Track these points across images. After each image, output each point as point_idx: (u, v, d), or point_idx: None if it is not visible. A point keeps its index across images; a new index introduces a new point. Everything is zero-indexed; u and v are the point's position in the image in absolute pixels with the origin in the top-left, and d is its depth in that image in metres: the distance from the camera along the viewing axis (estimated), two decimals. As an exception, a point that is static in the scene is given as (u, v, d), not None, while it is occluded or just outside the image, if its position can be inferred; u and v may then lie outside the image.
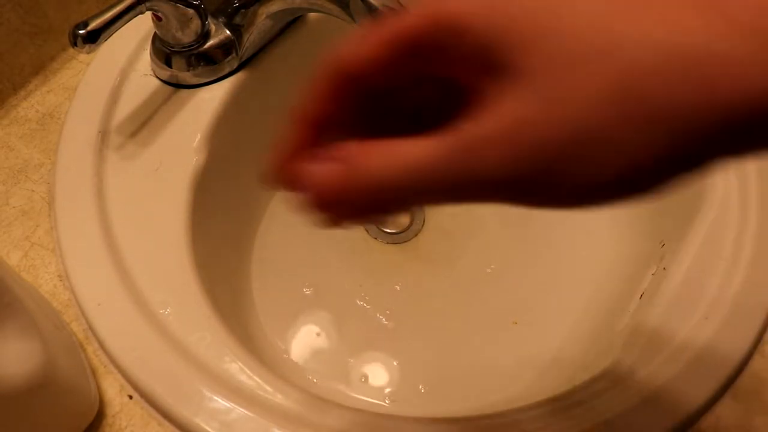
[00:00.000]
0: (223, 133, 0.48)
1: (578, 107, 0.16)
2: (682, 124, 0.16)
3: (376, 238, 0.58)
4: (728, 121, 0.16)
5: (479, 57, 0.18)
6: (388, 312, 0.53)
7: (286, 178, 0.22)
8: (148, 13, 0.44)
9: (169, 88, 0.49)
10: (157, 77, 0.49)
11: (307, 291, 0.54)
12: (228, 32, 0.48)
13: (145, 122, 0.47)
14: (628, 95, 0.16)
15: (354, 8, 0.43)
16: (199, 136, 0.47)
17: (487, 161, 0.17)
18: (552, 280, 0.54)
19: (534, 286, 0.54)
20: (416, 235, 0.58)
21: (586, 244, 0.55)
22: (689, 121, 0.16)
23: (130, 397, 0.38)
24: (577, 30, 0.17)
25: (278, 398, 0.37)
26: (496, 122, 0.17)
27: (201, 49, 0.48)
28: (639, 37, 0.16)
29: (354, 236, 0.57)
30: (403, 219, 0.59)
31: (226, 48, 0.49)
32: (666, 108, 0.16)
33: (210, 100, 0.48)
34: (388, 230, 0.58)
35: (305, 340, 0.52)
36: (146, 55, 0.50)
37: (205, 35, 0.48)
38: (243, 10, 0.48)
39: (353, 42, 0.20)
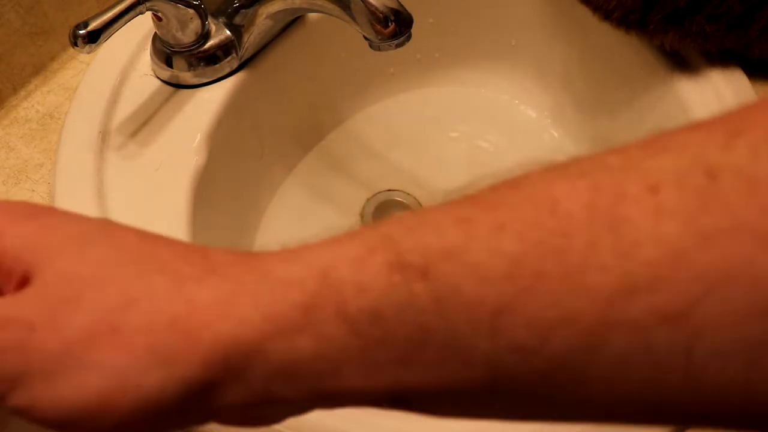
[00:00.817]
0: (224, 133, 0.48)
1: (74, 324, 0.20)
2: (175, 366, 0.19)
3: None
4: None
5: (12, 270, 0.22)
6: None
7: None
8: (149, 14, 0.44)
9: (170, 88, 0.49)
10: (157, 77, 0.49)
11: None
12: (228, 32, 0.48)
13: (145, 122, 0.47)
14: (109, 320, 0.20)
15: (354, 9, 0.43)
16: (199, 136, 0.47)
17: None
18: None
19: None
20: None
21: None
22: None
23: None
24: (93, 257, 0.21)
25: (278, 398, 0.37)
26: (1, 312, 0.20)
27: (201, 49, 0.48)
28: (140, 272, 0.21)
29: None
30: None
31: (227, 48, 0.49)
32: (148, 335, 0.20)
33: (210, 100, 0.48)
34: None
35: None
36: (146, 55, 0.50)
37: (205, 35, 0.48)
38: (243, 11, 0.48)
39: None
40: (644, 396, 0.18)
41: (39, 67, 0.51)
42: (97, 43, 0.40)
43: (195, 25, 0.47)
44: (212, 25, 0.48)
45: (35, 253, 0.21)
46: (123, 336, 0.20)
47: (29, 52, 0.50)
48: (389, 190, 0.60)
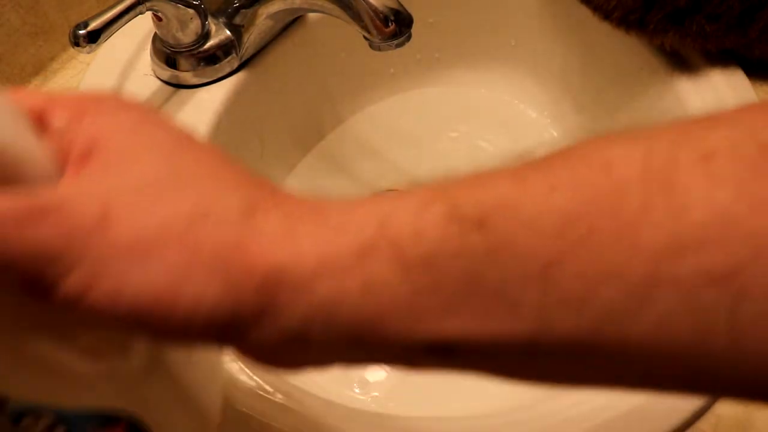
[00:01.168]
0: (224, 132, 0.48)
1: (155, 214, 0.20)
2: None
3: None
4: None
5: (83, 145, 0.22)
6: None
7: None
8: (149, 14, 0.44)
9: (170, 88, 0.49)
10: (157, 77, 0.49)
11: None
12: (228, 32, 0.49)
13: (145, 122, 0.47)
14: (180, 228, 0.20)
15: (354, 9, 0.43)
16: (199, 136, 0.47)
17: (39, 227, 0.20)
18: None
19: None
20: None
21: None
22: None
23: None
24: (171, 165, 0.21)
25: (278, 398, 0.37)
26: (66, 189, 0.21)
27: (201, 49, 0.48)
28: (215, 193, 0.21)
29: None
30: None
31: (227, 48, 0.49)
32: (213, 250, 0.20)
33: (210, 100, 0.49)
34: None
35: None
36: (146, 55, 0.50)
37: (205, 35, 0.48)
38: (243, 11, 0.48)
39: None
40: (686, 358, 0.18)
41: (39, 67, 0.51)
42: (97, 43, 0.40)
43: (195, 25, 0.47)
44: (212, 25, 0.48)
45: (124, 144, 0.22)
46: (193, 243, 0.20)
47: (29, 52, 0.50)
48: (389, 190, 0.60)
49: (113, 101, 0.23)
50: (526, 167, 0.20)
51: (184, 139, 0.23)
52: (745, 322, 0.17)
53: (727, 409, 0.37)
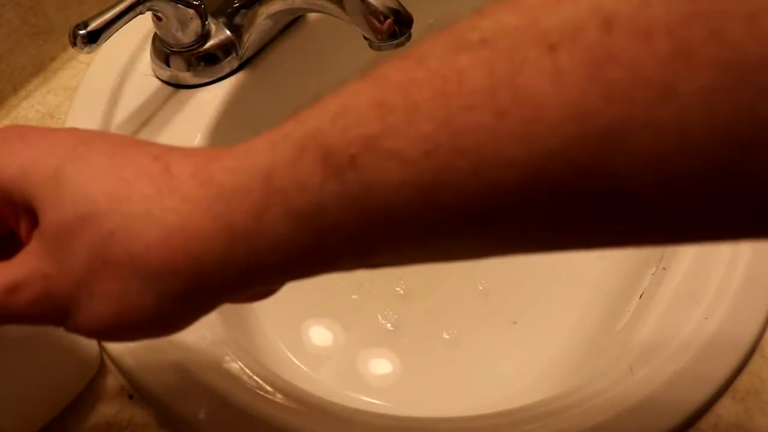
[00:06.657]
0: (223, 133, 0.48)
1: (74, 267, 0.23)
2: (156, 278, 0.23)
3: (376, 238, 0.57)
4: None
5: (17, 205, 0.25)
6: (388, 313, 0.53)
7: None
8: (149, 14, 0.44)
9: (170, 88, 0.49)
10: (157, 77, 0.49)
11: (308, 291, 0.54)
12: (228, 32, 0.49)
13: (145, 122, 0.47)
14: (98, 256, 0.23)
15: (354, 9, 0.43)
16: (199, 136, 0.47)
17: (18, 300, 0.24)
18: (552, 280, 0.54)
19: (534, 287, 0.54)
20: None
21: (586, 244, 0.55)
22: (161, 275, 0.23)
23: (131, 396, 0.38)
24: (70, 199, 0.23)
25: (278, 398, 0.37)
26: (24, 271, 0.24)
27: (201, 49, 0.48)
28: (111, 205, 0.23)
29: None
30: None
31: (227, 48, 0.49)
32: (132, 264, 0.23)
33: (210, 100, 0.49)
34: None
35: (305, 340, 0.52)
36: (146, 56, 0.50)
37: (205, 35, 0.48)
38: (243, 11, 0.48)
39: None
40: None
41: (39, 67, 0.51)
42: (97, 43, 0.40)
43: (195, 25, 0.47)
44: (212, 25, 0.48)
45: (28, 195, 0.25)
46: (113, 267, 0.23)
47: (29, 52, 0.50)
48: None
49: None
50: (384, 86, 0.21)
51: (71, 158, 0.25)
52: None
53: (726, 409, 0.37)
